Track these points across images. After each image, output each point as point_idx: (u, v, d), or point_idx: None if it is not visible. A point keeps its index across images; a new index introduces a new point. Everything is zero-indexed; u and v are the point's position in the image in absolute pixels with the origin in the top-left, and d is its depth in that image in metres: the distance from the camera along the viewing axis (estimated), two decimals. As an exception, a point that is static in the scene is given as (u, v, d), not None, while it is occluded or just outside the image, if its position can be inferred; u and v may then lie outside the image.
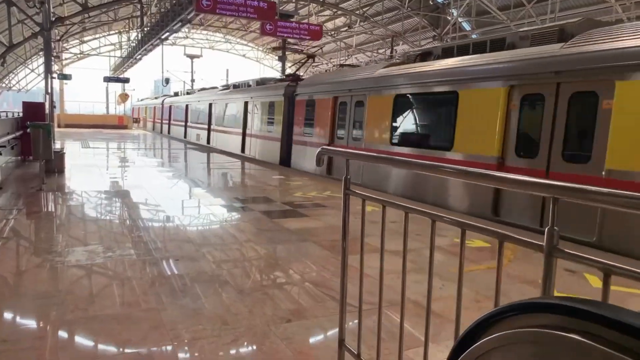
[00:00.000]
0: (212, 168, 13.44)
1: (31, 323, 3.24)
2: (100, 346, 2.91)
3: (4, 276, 4.05)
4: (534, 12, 23.69)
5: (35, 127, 8.13)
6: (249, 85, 17.75)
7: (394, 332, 3.04)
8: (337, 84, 11.84)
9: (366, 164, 9.34)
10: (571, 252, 1.42)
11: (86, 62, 42.83)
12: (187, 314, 3.37)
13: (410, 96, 9.26)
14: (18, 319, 3.32)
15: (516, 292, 4.05)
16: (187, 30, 41.46)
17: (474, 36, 28.60)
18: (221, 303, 3.58)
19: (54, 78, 21.50)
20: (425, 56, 9.88)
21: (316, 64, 34.59)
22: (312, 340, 3.21)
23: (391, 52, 29.03)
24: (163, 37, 18.70)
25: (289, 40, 29.02)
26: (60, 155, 10.31)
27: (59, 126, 32.29)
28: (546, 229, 1.47)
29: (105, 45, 41.46)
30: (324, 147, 2.93)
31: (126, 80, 34.93)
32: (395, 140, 9.57)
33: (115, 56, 38.40)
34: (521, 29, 8.27)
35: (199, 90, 27.17)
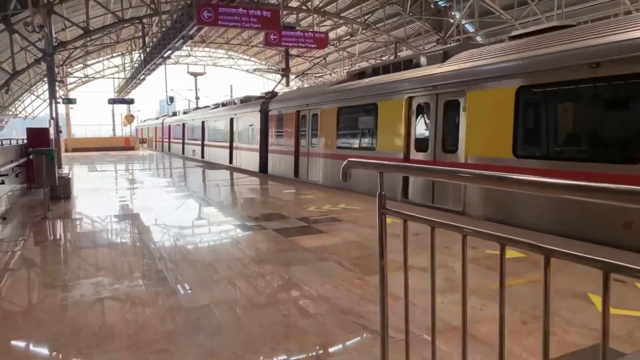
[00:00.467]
0: (216, 184, 13.23)
1: (30, 374, 2.90)
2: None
3: (3, 316, 3.72)
4: (538, 10, 23.35)
5: (37, 153, 7.88)
6: (234, 103, 19.92)
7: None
8: (298, 100, 13.86)
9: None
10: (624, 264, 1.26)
11: (91, 86, 43.19)
12: (203, 355, 3.00)
13: (347, 108, 11.43)
14: (16, 369, 2.98)
15: (567, 309, 3.64)
16: (189, 48, 41.62)
17: (478, 38, 28.29)
18: (240, 340, 3.22)
19: (59, 103, 21.45)
20: (361, 75, 11.71)
21: (320, 74, 34.43)
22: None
23: (395, 59, 28.76)
24: (165, 55, 18.59)
25: (292, 52, 28.91)
26: (65, 180, 10.06)
27: (66, 150, 32.32)
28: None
29: (109, 67, 41.69)
30: (351, 159, 2.57)
31: (131, 102, 34.97)
32: (339, 145, 11.66)
33: (119, 78, 38.56)
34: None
35: (194, 110, 29.52)
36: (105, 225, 7.46)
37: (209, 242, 6.25)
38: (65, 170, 16.75)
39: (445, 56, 8.93)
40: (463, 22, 26.76)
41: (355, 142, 11.21)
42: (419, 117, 9.01)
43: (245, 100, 18.73)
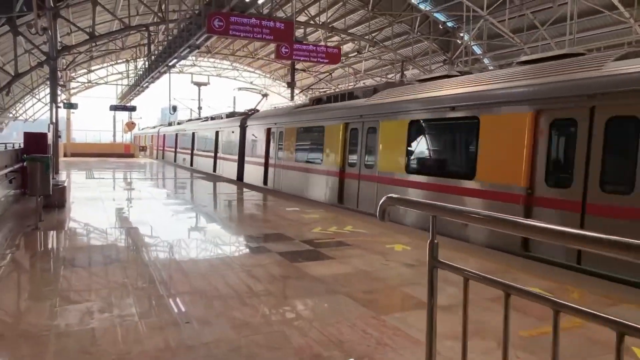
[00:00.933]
0: (208, 193, 13.11)
1: None
2: None
3: (-25, 351, 3.30)
4: (547, 35, 23.24)
5: (32, 160, 7.49)
6: (221, 118, 22.13)
7: None
8: (269, 118, 16.00)
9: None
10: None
11: (93, 91, 42.84)
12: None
13: (304, 128, 13.56)
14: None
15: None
16: (194, 57, 41.51)
17: (485, 60, 28.19)
18: (245, 393, 2.79)
19: (60, 107, 21.11)
20: (318, 101, 13.89)
21: (324, 89, 34.26)
22: None
23: (401, 77, 28.59)
24: (170, 63, 18.31)
25: (297, 66, 28.74)
26: (60, 189, 9.65)
27: (65, 155, 31.94)
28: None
29: (112, 74, 41.50)
30: (390, 196, 2.17)
31: (132, 109, 34.69)
32: (296, 159, 13.80)
33: (122, 84, 38.36)
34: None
35: (186, 121, 31.53)
36: (99, 240, 7.04)
37: (208, 264, 5.82)
38: (62, 176, 16.35)
39: (375, 91, 11.39)
40: (471, 44, 26.64)
41: (309, 157, 13.25)
42: (352, 139, 11.30)
43: (230, 116, 20.88)
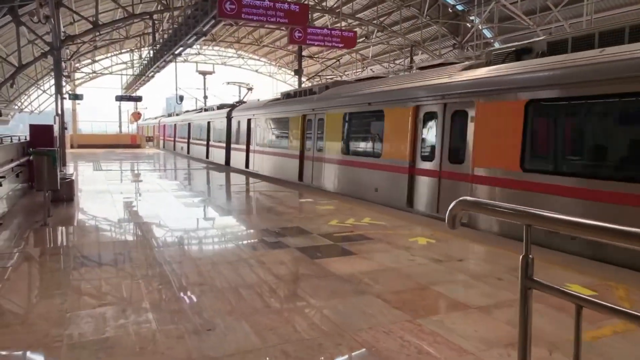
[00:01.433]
0: (219, 184, 12.55)
1: None
2: None
3: (-19, 366, 3.03)
4: (561, 16, 22.58)
5: (38, 154, 7.21)
6: (212, 109, 24.75)
7: None
8: (248, 110, 18.32)
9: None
10: None
11: (98, 82, 42.56)
12: None
13: (272, 119, 15.93)
14: None
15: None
16: (199, 46, 41.02)
17: (496, 44, 27.53)
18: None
19: (65, 98, 20.83)
20: (288, 96, 16.01)
21: (332, 76, 33.74)
22: None
23: (410, 62, 28.04)
24: (176, 52, 17.91)
25: (304, 53, 28.21)
26: (68, 182, 9.39)
27: (72, 147, 31.76)
28: None
29: (117, 64, 41.12)
30: (465, 199, 1.84)
31: (138, 99, 34.36)
32: (270, 145, 15.98)
33: (127, 74, 38.03)
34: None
35: (184, 113, 34.01)
36: (109, 236, 6.77)
37: (225, 261, 5.52)
38: (69, 169, 16.12)
39: (326, 88, 13.47)
40: (481, 27, 26.00)
41: (279, 144, 15.29)
42: (307, 128, 13.41)
43: (220, 108, 23.48)
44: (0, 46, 23.16)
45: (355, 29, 29.96)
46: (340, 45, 14.00)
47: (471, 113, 7.86)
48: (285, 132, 14.85)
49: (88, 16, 20.37)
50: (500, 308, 4.13)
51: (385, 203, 9.62)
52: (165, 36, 20.82)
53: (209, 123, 23.72)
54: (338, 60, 29.39)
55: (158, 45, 21.72)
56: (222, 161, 20.75)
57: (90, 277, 4.82)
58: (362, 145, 11.15)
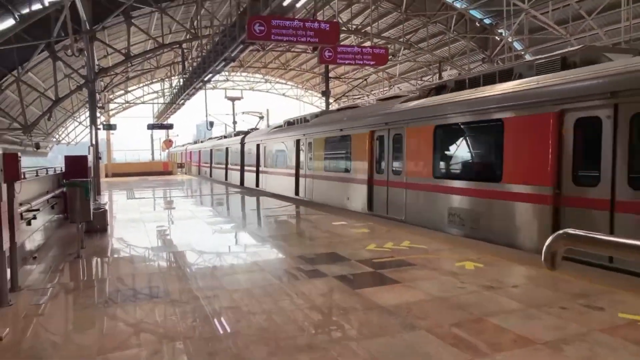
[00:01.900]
0: (251, 209, 12.46)
1: None
2: None
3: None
4: (595, 24, 21.86)
5: (71, 185, 7.16)
6: (231, 136, 27.85)
7: None
8: (257, 136, 21.02)
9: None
10: None
11: (131, 111, 44.25)
12: None
13: (277, 144, 18.09)
14: None
15: None
16: (227, 73, 41.78)
17: (527, 56, 26.87)
18: None
19: (99, 129, 21.33)
20: (289, 123, 17.75)
21: (359, 96, 33.62)
22: None
23: (439, 78, 27.62)
24: (206, 79, 18.13)
25: (330, 74, 28.23)
26: (101, 212, 9.36)
27: (106, 176, 32.49)
28: None
29: (148, 93, 42.24)
30: (567, 232, 1.50)
31: (169, 127, 35.06)
32: (275, 166, 18.32)
33: (158, 103, 39.00)
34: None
35: (207, 140, 37.37)
36: (143, 267, 6.59)
37: (264, 292, 5.23)
38: (104, 198, 16.33)
39: (317, 116, 15.67)
40: (512, 40, 25.46)
41: (281, 164, 17.76)
42: (299, 151, 15.71)
43: (237, 135, 26.43)
44: (38, 81, 24.05)
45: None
46: (372, 62, 13.72)
47: (404, 136, 10.07)
48: (285, 155, 17.17)
49: (120, 49, 20.96)
50: (571, 343, 3.67)
51: (353, 209, 11.95)
52: (195, 64, 21.19)
53: (227, 149, 26.58)
54: (365, 79, 29.25)
55: (187, 73, 22.11)
56: (237, 182, 23.48)
57: (123, 313, 4.60)
58: (338, 164, 13.21)
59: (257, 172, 20.30)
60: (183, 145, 48.14)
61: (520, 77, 7.89)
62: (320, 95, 35.35)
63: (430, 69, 30.80)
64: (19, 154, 5.29)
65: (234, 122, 39.21)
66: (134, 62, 24.37)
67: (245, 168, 22.44)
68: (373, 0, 22.31)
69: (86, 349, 3.75)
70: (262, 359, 3.48)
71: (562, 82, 6.67)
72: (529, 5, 21.51)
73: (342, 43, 24.93)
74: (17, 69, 19.08)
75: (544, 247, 1.48)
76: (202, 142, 38.63)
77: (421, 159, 9.51)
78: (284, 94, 48.68)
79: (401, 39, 26.53)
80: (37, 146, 29.00)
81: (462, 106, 8.41)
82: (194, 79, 19.57)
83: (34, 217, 7.22)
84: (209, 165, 31.76)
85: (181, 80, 25.07)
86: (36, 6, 16.20)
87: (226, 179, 26.13)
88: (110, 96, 35.68)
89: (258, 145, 20.28)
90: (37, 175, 10.02)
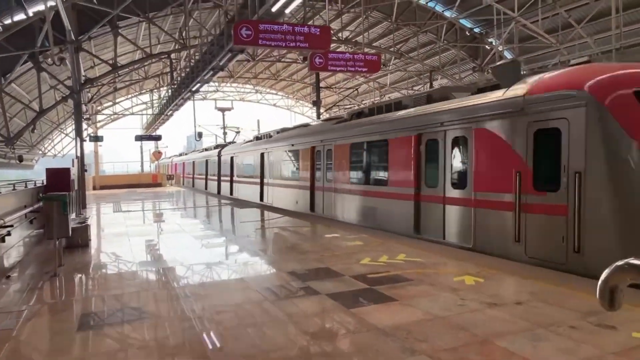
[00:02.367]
0: (232, 219, 12.75)
1: None
2: None
3: None
4: (584, 33, 21.92)
5: (47, 200, 6.78)
6: (211, 149, 30.07)
7: None
8: (230, 149, 23.78)
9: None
10: None
11: (120, 123, 43.79)
12: None
13: (246, 156, 20.37)
14: None
15: None
16: (217, 83, 41.51)
17: (517, 64, 26.87)
18: None
19: (85, 141, 20.87)
20: (257, 138, 20.16)
21: (350, 105, 33.48)
22: None
23: (430, 87, 27.55)
24: (194, 89, 17.82)
25: (321, 84, 28.07)
26: (83, 227, 8.95)
27: (94, 188, 31.91)
28: None
29: (137, 104, 41.80)
30: (627, 262, 1.20)
31: (158, 138, 34.59)
32: (244, 175, 20.52)
33: (147, 114, 38.59)
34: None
35: (191, 152, 39.69)
36: (123, 286, 6.19)
37: (254, 313, 4.87)
38: (89, 211, 15.86)
39: (277, 133, 17.73)
40: (501, 49, 25.48)
41: (249, 174, 19.75)
42: (263, 162, 18.04)
43: (216, 148, 28.70)
44: (22, 92, 23.55)
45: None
46: (364, 69, 13.41)
47: (333, 151, 12.47)
48: (253, 166, 19.21)
49: (108, 59, 20.60)
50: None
51: (300, 211, 13.96)
52: (183, 74, 20.90)
53: (206, 161, 28.83)
54: (356, 89, 29.08)
55: (176, 84, 21.81)
56: (215, 190, 25.60)
57: (97, 340, 4.22)
58: (291, 174, 15.47)
59: (231, 182, 22.67)
60: (169, 157, 48.92)
61: (406, 107, 10.12)
62: (311, 105, 35.17)
63: (421, 78, 30.77)
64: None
65: (224, 133, 38.87)
66: (121, 73, 24.00)
67: (222, 178, 24.62)
68: (363, 9, 22.21)
69: (52, 384, 3.37)
70: (247, 393, 3.13)
71: (419, 114, 9.27)
72: (519, 13, 21.52)
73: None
74: (-1, 80, 18.63)
75: (600, 282, 1.17)
76: (186, 154, 41.00)
77: (343, 169, 12.00)
78: (274, 105, 48.45)
79: (392, 49, 26.45)
80: (20, 159, 28.43)
81: (365, 128, 11.03)
82: (182, 89, 19.26)
83: (8, 234, 6.81)
84: (191, 176, 33.93)
85: (170, 90, 24.75)
86: (19, 16, 15.84)
87: (206, 188, 28.41)
88: (99, 107, 35.20)
89: (232, 158, 22.66)
90: (13, 189, 9.58)
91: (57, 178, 10.73)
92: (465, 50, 27.49)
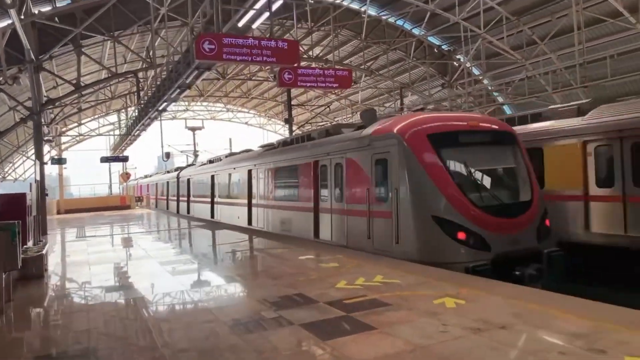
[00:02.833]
0: (189, 239, 11.75)
1: None
2: None
3: None
4: (548, 49, 22.50)
5: (-6, 230, 6.20)
6: (171, 172, 31.90)
7: None
8: (186, 171, 26.11)
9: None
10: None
11: (87, 144, 42.73)
12: None
13: (198, 178, 22.87)
14: None
15: None
16: (186, 102, 40.88)
17: (485, 81, 27.41)
18: None
19: (46, 164, 20.00)
20: (210, 161, 22.30)
21: (322, 123, 33.39)
22: None
23: (401, 104, 27.73)
24: (160, 108, 17.31)
25: (293, 102, 27.90)
26: (37, 257, 8.33)
27: (58, 212, 30.67)
28: None
29: (104, 125, 40.73)
30: None
31: (125, 159, 33.62)
32: (200, 195, 22.41)
33: (115, 135, 37.57)
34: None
35: (155, 174, 42.16)
36: (78, 324, 5.66)
37: (215, 353, 4.45)
38: (52, 236, 15.03)
39: (226, 157, 20.42)
40: (469, 65, 25.92)
41: (205, 194, 21.25)
42: (213, 184, 20.30)
43: (175, 170, 30.50)
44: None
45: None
46: (335, 85, 13.15)
47: (257, 173, 15.02)
48: (206, 187, 21.04)
49: (71, 79, 19.89)
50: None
51: (241, 225, 15.94)
52: (150, 93, 20.37)
53: (167, 182, 30.85)
54: (328, 107, 29.00)
55: (143, 103, 21.22)
56: (175, 210, 27.43)
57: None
58: (234, 193, 17.64)
59: (188, 202, 24.71)
60: (135, 180, 49.02)
61: (314, 139, 12.18)
62: (283, 123, 34.93)
63: (392, 95, 30.98)
64: None
65: (195, 154, 38.17)
66: (86, 93, 23.24)
67: (180, 198, 26.51)
68: (333, 27, 22.25)
69: None
70: None
71: (315, 145, 11.68)
72: (484, 30, 21.94)
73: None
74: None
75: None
76: (150, 176, 43.31)
77: (270, 188, 14.10)
78: (246, 123, 48.00)
79: (362, 66, 26.57)
80: (-23, 184, 27.05)
81: (285, 155, 13.31)
82: (149, 108, 18.70)
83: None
84: (155, 197, 35.94)
85: (137, 110, 24.13)
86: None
87: (167, 208, 30.46)
88: (63, 129, 34.05)
89: (188, 180, 24.73)
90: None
91: (11, 204, 9.99)
92: (434, 67, 27.85)
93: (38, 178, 15.42)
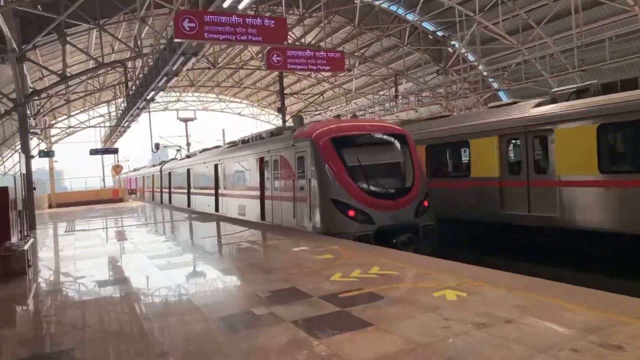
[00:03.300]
0: (191, 235, 11.30)
1: None
2: None
3: None
4: (544, 33, 22.14)
5: (-34, 226, 5.82)
6: (155, 165, 34.03)
7: None
8: (168, 165, 28.21)
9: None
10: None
11: (77, 137, 41.99)
12: None
13: (177, 171, 25.14)
14: None
15: None
16: (178, 93, 40.29)
17: (480, 66, 27.05)
18: None
19: (33, 157, 19.51)
20: (188, 156, 25.58)
21: (318, 112, 32.97)
22: None
23: (395, 92, 27.33)
24: (148, 97, 16.84)
25: (286, 91, 27.40)
26: (19, 253, 7.95)
27: (50, 207, 30.20)
28: None
29: (94, 117, 40.08)
30: None
31: (115, 151, 33.07)
32: (178, 187, 24.86)
33: (105, 126, 36.99)
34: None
35: (143, 168, 43.38)
36: (58, 324, 5.33)
37: (203, 354, 4.13)
38: (42, 231, 14.63)
39: (200, 152, 22.90)
40: (464, 51, 25.52)
41: (182, 186, 23.59)
42: (193, 176, 22.18)
43: (160, 164, 31.93)
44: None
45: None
46: (327, 67, 12.70)
47: (224, 167, 17.14)
48: (184, 179, 23.23)
49: (57, 70, 19.33)
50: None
51: (211, 212, 17.98)
52: (138, 82, 19.85)
53: (152, 175, 32.95)
54: (322, 95, 28.58)
55: (131, 93, 20.72)
56: (164, 201, 28.70)
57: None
58: (206, 184, 19.63)
59: (170, 193, 27.09)
60: (126, 173, 49.04)
61: (263, 138, 14.24)
62: (277, 113, 34.47)
63: (386, 83, 30.55)
64: None
65: (188, 144, 37.68)
66: (73, 84, 22.67)
67: (163, 190, 28.92)
68: (325, 14, 21.75)
69: None
70: None
71: (259, 144, 14.02)
72: (479, 14, 21.53)
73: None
74: None
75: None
76: (138, 170, 45.22)
77: (230, 180, 16.58)
78: (239, 113, 47.46)
79: (356, 53, 26.11)
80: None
81: (240, 152, 15.53)
82: (137, 98, 18.22)
83: None
84: (142, 189, 38.65)
85: (125, 101, 23.59)
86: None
87: (153, 199, 32.71)
88: (52, 121, 33.42)
89: (170, 173, 26.98)
90: None
91: (-7, 199, 9.58)
92: (428, 53, 27.43)
93: (24, 171, 14.99)
